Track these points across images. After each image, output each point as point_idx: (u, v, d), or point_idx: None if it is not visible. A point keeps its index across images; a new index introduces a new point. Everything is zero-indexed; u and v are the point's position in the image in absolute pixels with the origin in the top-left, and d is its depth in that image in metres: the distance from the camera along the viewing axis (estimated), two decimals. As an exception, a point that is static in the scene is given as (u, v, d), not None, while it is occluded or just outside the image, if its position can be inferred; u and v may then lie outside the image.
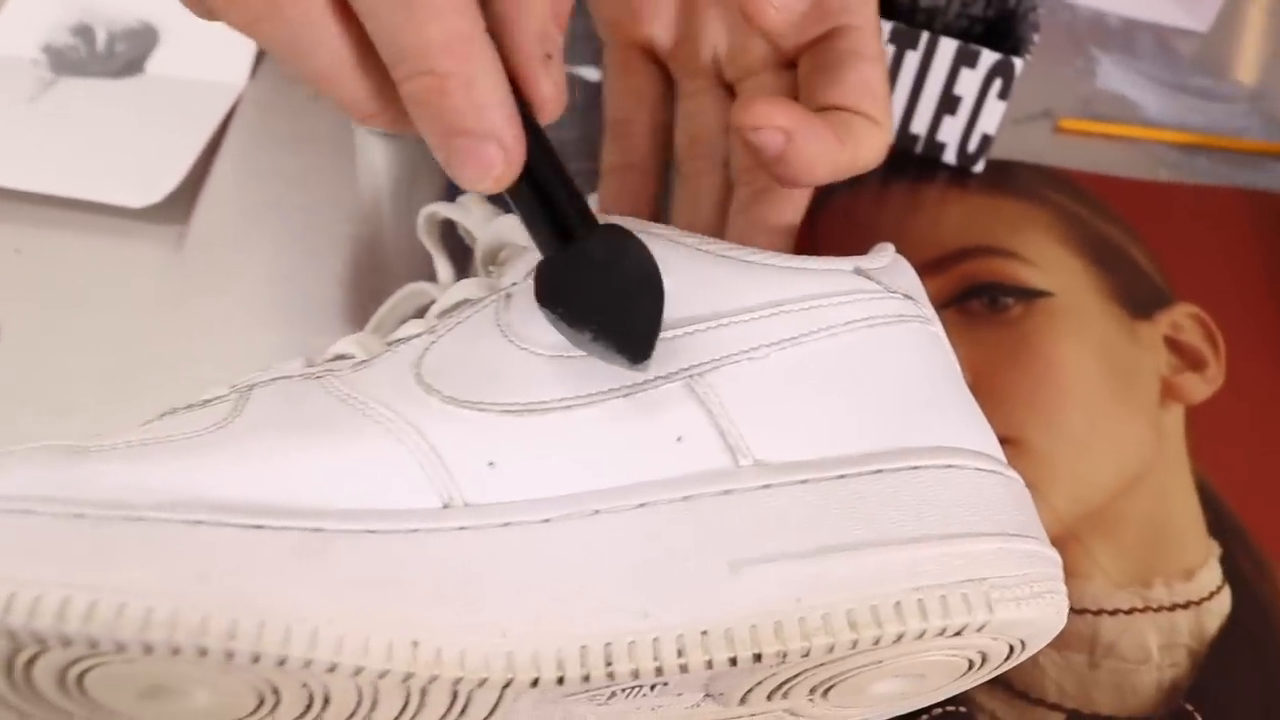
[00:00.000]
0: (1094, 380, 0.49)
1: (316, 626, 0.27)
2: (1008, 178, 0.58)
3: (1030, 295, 0.52)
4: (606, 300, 0.31)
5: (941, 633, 0.30)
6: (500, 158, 0.29)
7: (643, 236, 0.35)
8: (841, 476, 0.32)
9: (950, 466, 0.33)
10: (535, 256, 0.36)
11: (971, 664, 0.34)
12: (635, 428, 0.32)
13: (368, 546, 0.29)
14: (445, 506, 0.30)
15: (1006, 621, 0.31)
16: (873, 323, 0.35)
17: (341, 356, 0.35)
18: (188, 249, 0.50)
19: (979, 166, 0.57)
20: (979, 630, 0.31)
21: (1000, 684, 0.40)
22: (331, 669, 0.28)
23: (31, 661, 0.27)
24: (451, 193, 0.44)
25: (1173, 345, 0.51)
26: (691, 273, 0.35)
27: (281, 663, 0.27)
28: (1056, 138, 0.61)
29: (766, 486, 0.31)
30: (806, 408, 0.33)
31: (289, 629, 0.27)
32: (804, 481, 0.32)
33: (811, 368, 0.34)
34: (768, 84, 0.42)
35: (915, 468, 0.32)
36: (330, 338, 0.37)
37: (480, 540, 0.30)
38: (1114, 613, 0.42)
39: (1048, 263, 0.53)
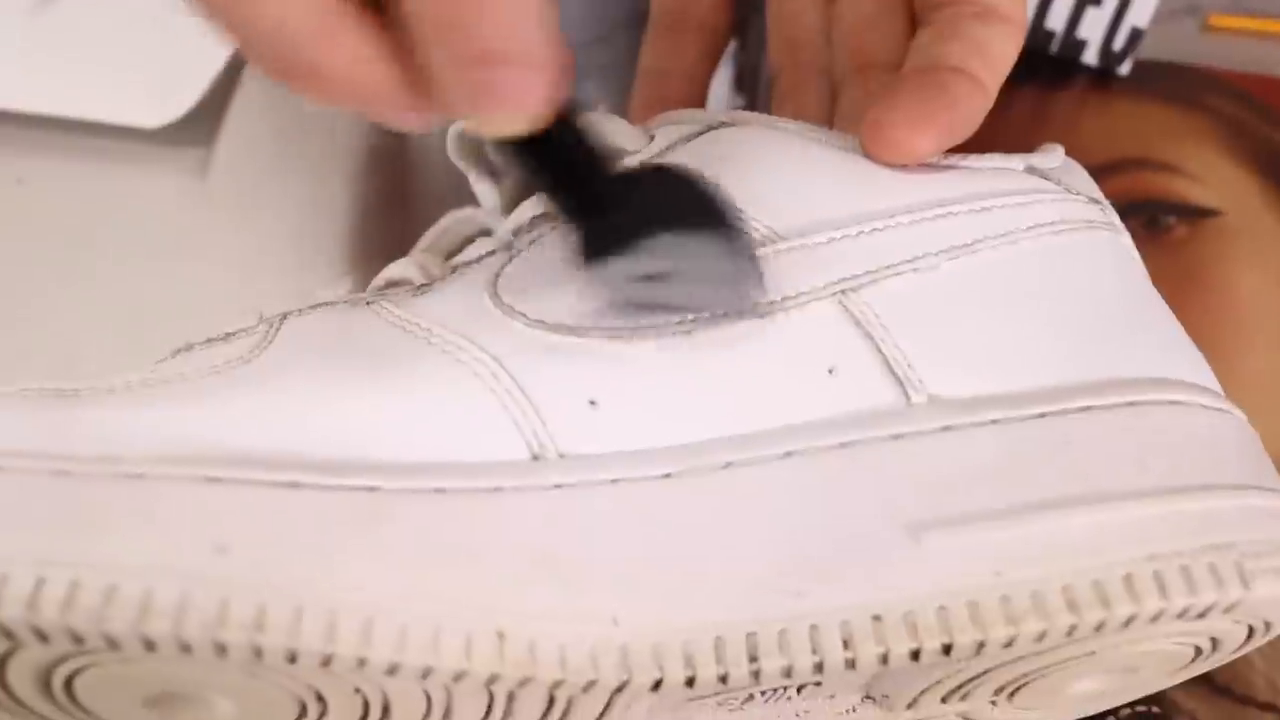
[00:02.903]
0: (1276, 313, 0.42)
1: (371, 616, 0.22)
2: (1156, 80, 0.51)
3: (1196, 214, 0.45)
4: (684, 243, 0.25)
5: (1183, 613, 0.24)
6: (539, 85, 0.22)
7: (765, 132, 0.29)
8: (1042, 415, 0.26)
9: (1175, 403, 0.27)
10: (634, 159, 0.30)
11: (1199, 652, 0.27)
12: (776, 356, 0.26)
13: (437, 510, 0.23)
14: (535, 458, 0.24)
15: (1263, 599, 0.25)
16: (1058, 228, 0.29)
17: (395, 283, 0.29)
18: (212, 176, 0.44)
19: (1125, 67, 0.51)
20: (1226, 610, 0.24)
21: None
22: (392, 670, 0.22)
23: (4, 661, 0.22)
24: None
25: (1365, 271, 0.44)
26: (830, 170, 0.29)
27: (326, 662, 0.21)
28: (1205, 37, 0.54)
29: (947, 429, 0.25)
30: (990, 329, 0.27)
31: (335, 619, 0.21)
32: (995, 422, 0.26)
33: (991, 280, 0.27)
34: None
35: (1134, 403, 0.26)
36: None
37: (581, 501, 0.24)
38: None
39: (1212, 176, 0.47)
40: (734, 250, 0.25)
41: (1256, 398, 0.39)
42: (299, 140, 0.45)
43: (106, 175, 0.44)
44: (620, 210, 0.25)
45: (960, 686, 0.26)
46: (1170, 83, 0.51)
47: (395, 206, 0.44)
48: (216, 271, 0.42)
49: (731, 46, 0.48)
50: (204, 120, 0.45)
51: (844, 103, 0.34)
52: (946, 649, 0.23)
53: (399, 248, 0.42)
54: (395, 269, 0.29)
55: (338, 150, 0.45)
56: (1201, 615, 0.24)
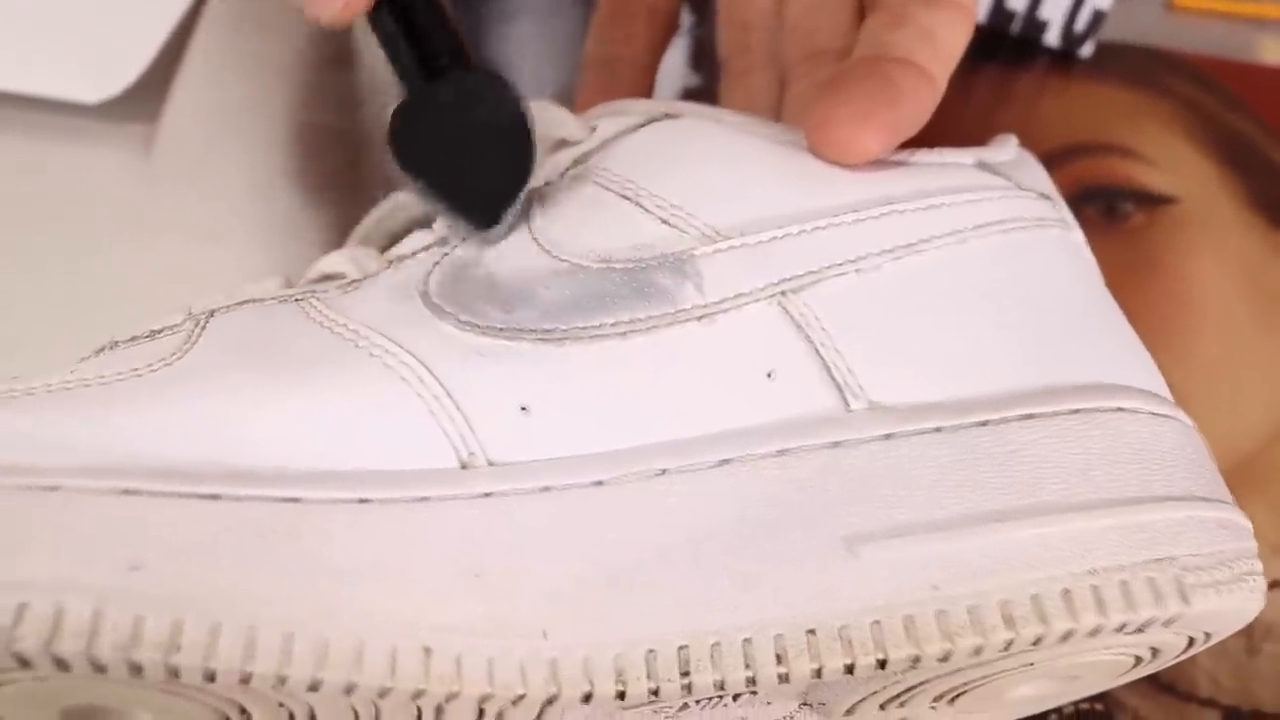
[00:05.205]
0: (1233, 303, 0.42)
1: (292, 631, 0.21)
2: (1118, 62, 0.50)
3: (1154, 201, 0.44)
4: (452, 150, 0.26)
5: (1121, 629, 0.23)
6: None
7: (707, 125, 0.28)
8: (984, 423, 0.25)
9: (1120, 410, 0.26)
10: (574, 151, 0.29)
11: (1139, 661, 0.27)
12: (712, 360, 0.25)
13: (360, 521, 0.22)
14: (464, 466, 0.23)
15: (1203, 614, 0.24)
16: (1007, 227, 0.28)
17: (329, 276, 0.28)
18: (155, 153, 0.44)
19: (1087, 49, 0.50)
20: (1165, 624, 0.24)
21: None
22: (314, 687, 0.21)
23: (-84, 677, 0.21)
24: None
25: (1323, 261, 0.44)
26: (772, 165, 0.28)
27: (245, 680, 0.20)
28: (1169, 18, 0.53)
29: (888, 436, 0.25)
30: (934, 333, 0.26)
31: (253, 636, 0.21)
32: (937, 430, 0.25)
33: (937, 282, 0.27)
34: None
35: (1077, 411, 0.25)
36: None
37: (511, 510, 0.23)
38: (1274, 586, 0.35)
39: (1172, 162, 0.46)
40: (498, 180, 0.26)
41: (1213, 385, 0.39)
42: (244, 117, 0.44)
43: (45, 151, 0.43)
44: (434, 105, 0.26)
45: (898, 695, 0.25)
46: (1132, 65, 0.50)
47: (341, 186, 0.43)
48: (159, 251, 0.41)
49: (688, 22, 0.47)
50: (147, 95, 0.44)
51: (791, 93, 0.33)
52: (881, 664, 0.22)
53: (344, 228, 0.41)
54: (328, 262, 0.28)
55: (283, 128, 0.44)
56: (1140, 629, 0.24)
